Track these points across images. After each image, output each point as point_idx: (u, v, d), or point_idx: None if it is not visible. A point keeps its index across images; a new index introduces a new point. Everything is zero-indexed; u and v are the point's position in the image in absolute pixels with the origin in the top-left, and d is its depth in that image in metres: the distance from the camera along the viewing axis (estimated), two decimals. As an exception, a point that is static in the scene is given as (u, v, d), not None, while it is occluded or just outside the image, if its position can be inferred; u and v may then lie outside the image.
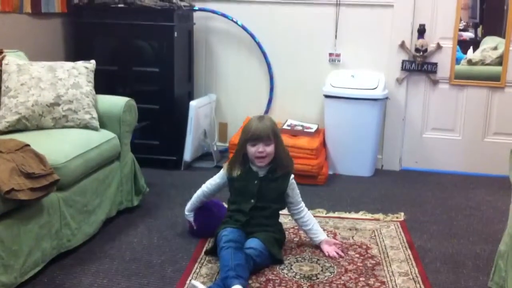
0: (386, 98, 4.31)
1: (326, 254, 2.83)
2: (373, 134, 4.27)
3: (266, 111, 4.61)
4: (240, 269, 2.40)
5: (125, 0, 4.12)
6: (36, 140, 2.72)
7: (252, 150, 2.75)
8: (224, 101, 4.73)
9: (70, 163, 2.72)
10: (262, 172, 2.81)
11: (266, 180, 2.80)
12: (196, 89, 4.68)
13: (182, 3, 4.27)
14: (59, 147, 2.80)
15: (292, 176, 2.87)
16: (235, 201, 2.86)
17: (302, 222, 2.91)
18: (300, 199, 2.91)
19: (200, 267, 2.68)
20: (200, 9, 4.51)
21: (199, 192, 3.00)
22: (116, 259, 2.76)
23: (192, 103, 4.24)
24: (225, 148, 4.62)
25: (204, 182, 2.94)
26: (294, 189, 2.88)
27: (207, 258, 2.77)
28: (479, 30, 4.50)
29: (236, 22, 4.48)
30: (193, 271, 2.63)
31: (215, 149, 4.55)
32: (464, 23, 4.45)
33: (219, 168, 4.33)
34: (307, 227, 2.91)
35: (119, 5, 4.12)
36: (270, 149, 2.75)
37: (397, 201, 3.74)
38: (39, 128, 3.05)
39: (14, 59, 3.17)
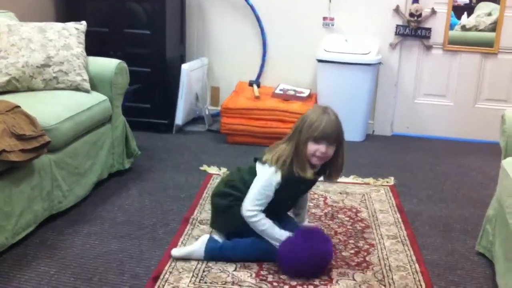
0: (379, 63, 4.29)
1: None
2: (365, 99, 4.27)
3: (259, 75, 4.59)
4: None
5: (117, -40, 4.05)
6: (27, 102, 2.70)
7: (313, 148, 2.31)
8: (217, 65, 4.70)
9: (61, 125, 2.71)
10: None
11: (310, 181, 2.48)
12: (188, 53, 4.64)
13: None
14: (50, 109, 2.78)
15: None
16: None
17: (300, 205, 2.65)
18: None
19: (192, 228, 2.70)
20: (193, -29, 4.44)
21: (263, 224, 2.37)
22: (107, 221, 2.77)
23: (184, 67, 4.21)
24: (217, 112, 4.61)
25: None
26: None
27: (198, 219, 2.79)
28: (474, -5, 4.46)
29: (229, -15, 4.43)
30: (185, 232, 2.65)
31: (207, 113, 4.54)
32: (459, -12, 4.41)
33: (211, 132, 4.37)
34: (300, 210, 2.66)
35: (110, -34, 4.06)
36: (331, 150, 2.34)
37: (387, 166, 3.76)
38: (30, 89, 3.03)
39: (4, 20, 3.12)
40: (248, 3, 4.45)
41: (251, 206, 2.36)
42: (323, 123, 2.31)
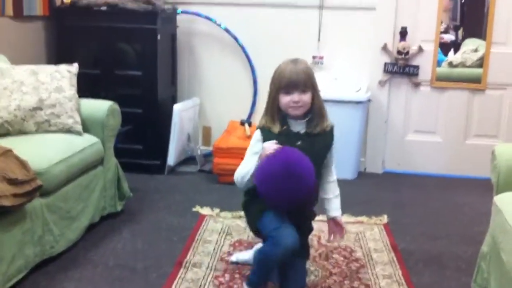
0: (369, 100, 4.33)
1: (329, 232, 2.60)
2: (356, 136, 4.30)
3: (250, 114, 4.61)
4: None
5: (108, 2, 4.09)
6: (19, 145, 2.69)
7: (286, 99, 2.34)
8: (208, 104, 4.72)
9: (53, 168, 2.70)
10: (301, 127, 2.41)
11: (310, 136, 2.42)
12: (179, 93, 4.67)
13: (166, 6, 4.25)
14: (42, 152, 2.77)
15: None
16: None
17: (325, 188, 2.55)
18: (333, 163, 2.57)
19: (186, 272, 2.67)
20: (184, 12, 4.49)
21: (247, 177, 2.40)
22: (99, 265, 2.74)
23: (176, 107, 4.23)
24: (208, 152, 4.61)
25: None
26: (333, 147, 2.53)
27: (192, 262, 2.76)
28: (460, 32, 4.54)
29: (219, 25, 4.48)
30: (178, 276, 2.62)
31: (199, 153, 4.54)
32: (445, 25, 4.49)
33: (203, 172, 4.36)
34: (326, 195, 2.55)
35: (102, 8, 4.10)
36: (306, 97, 2.35)
37: (380, 204, 3.76)
38: (22, 132, 3.02)
39: (-5, 63, 3.14)
40: (239, 43, 4.51)
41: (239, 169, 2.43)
42: (287, 71, 2.34)
